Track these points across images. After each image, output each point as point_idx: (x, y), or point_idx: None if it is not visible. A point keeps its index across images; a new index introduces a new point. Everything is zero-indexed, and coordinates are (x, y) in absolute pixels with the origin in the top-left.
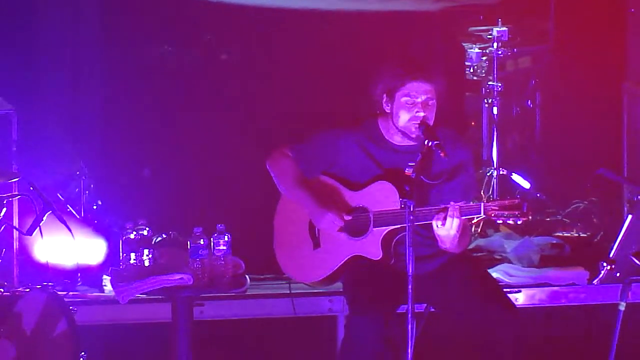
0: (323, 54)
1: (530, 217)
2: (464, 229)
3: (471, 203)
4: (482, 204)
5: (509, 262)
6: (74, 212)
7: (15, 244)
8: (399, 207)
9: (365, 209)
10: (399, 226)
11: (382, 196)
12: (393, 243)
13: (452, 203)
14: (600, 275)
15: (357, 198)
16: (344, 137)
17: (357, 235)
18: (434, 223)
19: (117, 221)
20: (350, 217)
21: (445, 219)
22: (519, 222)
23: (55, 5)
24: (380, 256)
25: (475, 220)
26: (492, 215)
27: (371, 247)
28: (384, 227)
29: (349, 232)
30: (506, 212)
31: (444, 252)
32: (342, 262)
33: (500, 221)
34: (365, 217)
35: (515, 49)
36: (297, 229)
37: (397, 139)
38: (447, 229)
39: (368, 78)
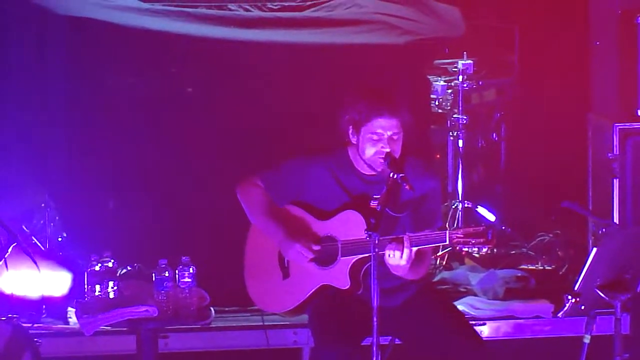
0: (290, 86)
1: (495, 244)
2: (419, 257)
3: (436, 231)
4: (447, 232)
5: (474, 294)
6: (39, 244)
7: None
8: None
9: (334, 238)
10: (366, 255)
11: (350, 225)
12: (361, 272)
13: (407, 234)
14: (565, 308)
15: (326, 227)
16: (314, 164)
17: (326, 265)
18: (386, 253)
19: (82, 253)
20: (318, 248)
21: (395, 249)
22: (484, 250)
23: (20, 38)
24: (348, 285)
25: (440, 253)
26: (457, 243)
27: (339, 276)
28: (352, 256)
29: (317, 262)
30: (471, 240)
31: (411, 285)
32: (311, 291)
33: (466, 249)
34: (334, 246)
35: (480, 82)
36: (267, 259)
37: (366, 169)
38: (396, 259)
39: (336, 109)
